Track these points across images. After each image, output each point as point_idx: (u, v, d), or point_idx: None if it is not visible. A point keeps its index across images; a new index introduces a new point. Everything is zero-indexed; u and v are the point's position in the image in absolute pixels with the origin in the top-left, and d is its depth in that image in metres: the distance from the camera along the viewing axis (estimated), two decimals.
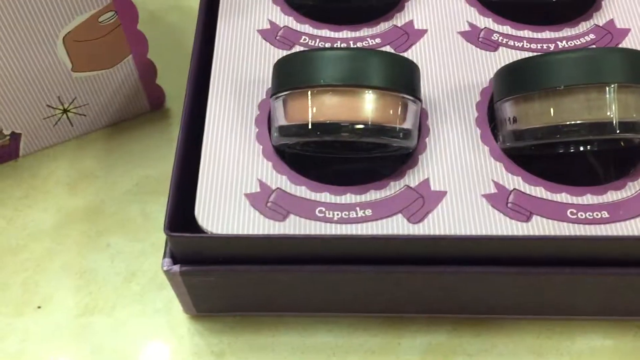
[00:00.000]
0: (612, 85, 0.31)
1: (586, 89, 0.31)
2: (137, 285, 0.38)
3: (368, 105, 0.32)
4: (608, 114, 0.31)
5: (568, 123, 0.32)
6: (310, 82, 0.32)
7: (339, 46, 0.38)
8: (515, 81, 0.33)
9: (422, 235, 0.31)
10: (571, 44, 0.38)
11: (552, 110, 0.32)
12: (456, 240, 0.31)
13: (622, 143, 0.34)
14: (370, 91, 0.32)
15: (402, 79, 0.33)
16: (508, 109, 0.33)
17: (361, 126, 0.32)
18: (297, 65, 0.33)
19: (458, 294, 0.35)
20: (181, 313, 0.37)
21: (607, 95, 0.31)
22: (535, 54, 0.38)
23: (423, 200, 0.32)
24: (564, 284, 0.33)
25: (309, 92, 0.32)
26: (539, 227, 0.31)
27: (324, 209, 0.32)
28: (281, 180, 0.33)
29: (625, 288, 0.33)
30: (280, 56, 0.35)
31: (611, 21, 0.39)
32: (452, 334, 0.37)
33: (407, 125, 0.33)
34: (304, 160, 0.35)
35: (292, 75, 0.33)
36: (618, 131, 0.31)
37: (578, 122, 0.32)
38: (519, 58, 0.35)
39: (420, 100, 0.34)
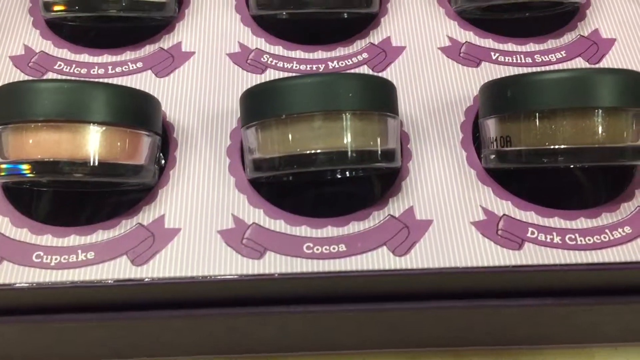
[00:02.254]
0: (347, 113, 0.30)
1: (322, 117, 0.30)
2: None
3: (91, 142, 0.30)
4: (344, 142, 0.30)
5: (304, 152, 0.30)
6: (26, 116, 0.29)
7: (75, 79, 0.35)
8: (254, 107, 0.31)
9: (139, 278, 0.29)
10: (342, 63, 0.37)
11: (289, 138, 0.30)
12: (172, 284, 0.29)
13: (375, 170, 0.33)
14: (94, 126, 0.29)
15: (132, 111, 0.30)
16: (250, 137, 0.31)
17: (84, 164, 0.29)
18: (16, 97, 0.30)
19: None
20: None
21: (343, 124, 0.30)
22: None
23: (153, 239, 0.30)
24: (304, 321, 0.31)
25: (26, 127, 0.29)
26: (272, 264, 0.29)
27: (42, 254, 0.30)
28: (2, 223, 0.30)
29: (362, 323, 0.32)
30: None
31: (387, 39, 0.38)
32: None
33: (141, 161, 0.31)
34: (41, 197, 0.33)
35: (9, 108, 0.30)
36: (354, 160, 0.30)
37: (314, 151, 0.30)
38: None
39: (158, 134, 0.32)
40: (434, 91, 0.35)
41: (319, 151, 0.30)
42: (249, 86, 0.35)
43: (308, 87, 0.30)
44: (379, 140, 0.31)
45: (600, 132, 0.30)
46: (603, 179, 0.33)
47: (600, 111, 0.30)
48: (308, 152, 0.30)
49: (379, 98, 0.31)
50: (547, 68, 0.37)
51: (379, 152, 0.31)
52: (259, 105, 0.31)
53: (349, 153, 0.30)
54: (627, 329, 0.33)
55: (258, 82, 0.35)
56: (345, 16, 0.39)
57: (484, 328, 0.32)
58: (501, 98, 0.31)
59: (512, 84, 0.31)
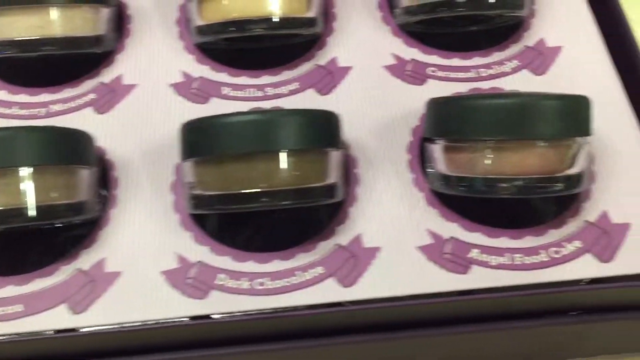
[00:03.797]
0: (25, 168, 0.29)
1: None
2: None
3: None
4: (21, 198, 0.29)
5: None
6: None
7: None
8: None
9: None
10: (66, 106, 0.35)
11: None
12: None
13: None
14: None
15: None
16: None
17: None
18: None
19: None
20: None
21: (19, 179, 0.29)
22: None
23: None
24: None
25: None
26: None
27: None
28: None
29: None
30: None
31: (119, 77, 0.36)
32: None
33: None
34: None
35: None
36: (35, 217, 0.29)
37: None
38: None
39: None
40: (155, 132, 0.34)
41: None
42: None
43: None
44: (64, 193, 0.30)
45: (289, 173, 0.30)
46: (304, 219, 0.33)
47: (286, 153, 0.29)
48: None
49: (64, 150, 0.30)
50: (279, 101, 0.36)
51: (65, 206, 0.30)
52: None
53: (28, 209, 0.29)
54: None
55: None
56: (97, 51, 0.38)
57: None
58: (192, 141, 0.31)
59: (196, 128, 0.30)
